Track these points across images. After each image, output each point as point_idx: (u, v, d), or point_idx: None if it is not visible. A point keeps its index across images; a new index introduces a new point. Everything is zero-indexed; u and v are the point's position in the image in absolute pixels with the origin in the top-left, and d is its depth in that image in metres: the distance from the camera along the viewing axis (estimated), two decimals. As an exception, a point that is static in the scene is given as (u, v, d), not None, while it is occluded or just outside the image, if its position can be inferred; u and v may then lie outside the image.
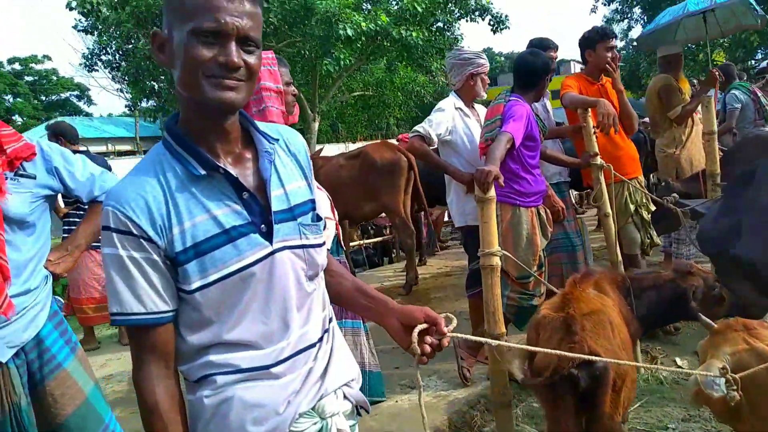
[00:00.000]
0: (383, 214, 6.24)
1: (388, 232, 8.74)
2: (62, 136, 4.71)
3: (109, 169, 4.89)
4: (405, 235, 5.60)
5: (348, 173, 5.74)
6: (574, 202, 4.35)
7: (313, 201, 1.25)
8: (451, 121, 3.46)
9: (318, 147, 17.31)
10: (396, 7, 13.71)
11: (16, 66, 41.67)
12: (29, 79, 41.81)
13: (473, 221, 3.34)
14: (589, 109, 3.49)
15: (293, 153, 1.26)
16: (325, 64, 12.71)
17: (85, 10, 10.76)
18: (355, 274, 6.55)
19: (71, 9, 10.92)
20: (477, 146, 3.36)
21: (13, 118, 39.14)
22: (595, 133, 3.46)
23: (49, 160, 2.00)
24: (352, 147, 28.35)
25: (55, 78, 41.76)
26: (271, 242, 1.12)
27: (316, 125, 15.37)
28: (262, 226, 1.12)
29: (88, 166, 2.09)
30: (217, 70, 1.03)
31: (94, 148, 28.17)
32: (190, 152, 1.09)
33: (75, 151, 4.63)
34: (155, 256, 1.06)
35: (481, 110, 3.63)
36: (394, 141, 6.73)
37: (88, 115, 39.86)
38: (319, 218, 1.25)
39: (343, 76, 15.49)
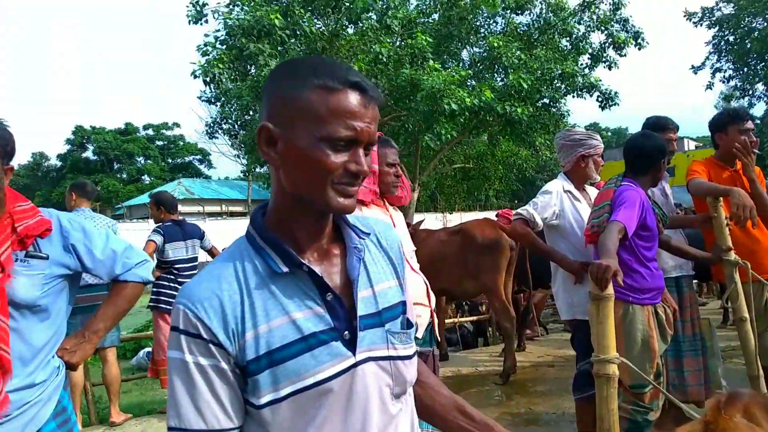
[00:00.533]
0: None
1: (483, 309, 8.38)
2: (162, 205, 5.04)
3: (202, 236, 5.21)
4: (505, 319, 5.26)
5: (448, 249, 5.56)
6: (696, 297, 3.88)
7: (404, 304, 1.12)
8: (559, 204, 3.24)
9: (417, 217, 17.41)
10: (501, 84, 13.77)
11: (150, 132, 46.45)
12: (159, 143, 46.41)
13: (582, 315, 3.04)
14: (721, 199, 3.13)
15: (385, 248, 1.14)
16: (427, 139, 12.88)
17: (208, 78, 11.69)
18: (447, 354, 6.23)
19: (195, 77, 11.91)
20: None
21: (143, 177, 43.29)
22: (727, 225, 3.08)
23: (66, 236, 1.83)
24: (449, 217, 28.46)
25: (181, 143, 46.10)
26: (354, 352, 0.98)
27: (416, 195, 15.46)
28: (346, 332, 0.99)
29: (111, 242, 1.91)
30: (346, 177, 0.97)
31: (209, 208, 30.54)
32: (273, 247, 1.00)
33: (171, 221, 5.04)
34: (224, 364, 0.94)
35: (594, 193, 3.38)
36: (492, 213, 6.53)
37: (207, 177, 43.25)
38: (410, 324, 1.11)
39: (444, 149, 15.63)
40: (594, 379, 2.35)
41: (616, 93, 14.16)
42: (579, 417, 3.29)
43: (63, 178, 40.82)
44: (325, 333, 0.97)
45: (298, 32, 12.16)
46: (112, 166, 43.87)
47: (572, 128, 3.43)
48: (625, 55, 14.60)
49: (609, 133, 52.08)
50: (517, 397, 4.81)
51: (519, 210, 3.33)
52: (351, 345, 0.98)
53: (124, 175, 43.81)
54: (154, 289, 4.84)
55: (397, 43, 13.33)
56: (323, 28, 13.20)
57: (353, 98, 0.96)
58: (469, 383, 5.36)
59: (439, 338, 2.83)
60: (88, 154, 44.03)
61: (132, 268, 1.91)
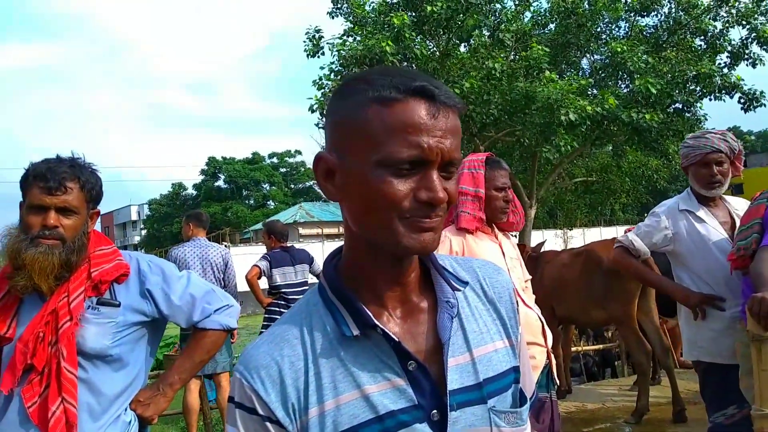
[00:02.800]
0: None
1: (609, 336, 7.67)
2: (273, 234, 5.22)
3: (311, 261, 5.25)
4: (638, 352, 4.64)
5: (572, 273, 5.08)
6: None
7: (516, 370, 0.88)
8: (672, 226, 2.75)
9: (534, 235, 16.66)
10: (626, 90, 12.85)
11: (275, 160, 49.46)
12: (283, 170, 49.20)
13: (707, 357, 2.57)
14: None
15: (492, 299, 0.91)
16: (545, 152, 12.28)
17: (323, 111, 12.15)
18: (571, 389, 5.73)
19: (313, 111, 12.38)
20: (715, 256, 2.62)
21: (268, 203, 46.05)
22: None
23: (144, 280, 1.72)
24: (570, 233, 27.09)
25: (302, 169, 48.51)
26: None
27: (533, 212, 14.80)
28: (434, 412, 0.79)
29: (191, 286, 1.77)
30: (416, 209, 0.76)
31: (328, 230, 31.75)
32: (345, 303, 0.82)
33: (280, 248, 5.15)
34: None
35: (738, 204, 2.83)
36: (618, 229, 5.93)
37: (326, 200, 44.94)
38: (523, 398, 0.87)
39: (564, 163, 14.85)
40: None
41: (762, 93, 12.63)
42: None
43: (198, 206, 44.45)
44: (407, 412, 0.78)
45: (409, 56, 12.20)
46: (240, 193, 47.07)
47: (693, 134, 2.85)
48: (772, 50, 13.02)
49: (753, 137, 47.05)
50: (652, 441, 4.25)
51: (620, 237, 2.96)
52: (440, 428, 0.78)
53: (251, 201, 46.86)
54: (266, 315, 4.96)
55: (511, 57, 12.96)
56: (434, 49, 13.16)
57: (417, 108, 0.76)
58: (595, 420, 4.85)
59: (557, 381, 2.51)
60: (220, 182, 47.63)
61: (211, 315, 1.77)
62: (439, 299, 0.85)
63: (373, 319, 0.80)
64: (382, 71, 0.80)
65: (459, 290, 0.87)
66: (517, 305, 0.94)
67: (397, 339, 0.80)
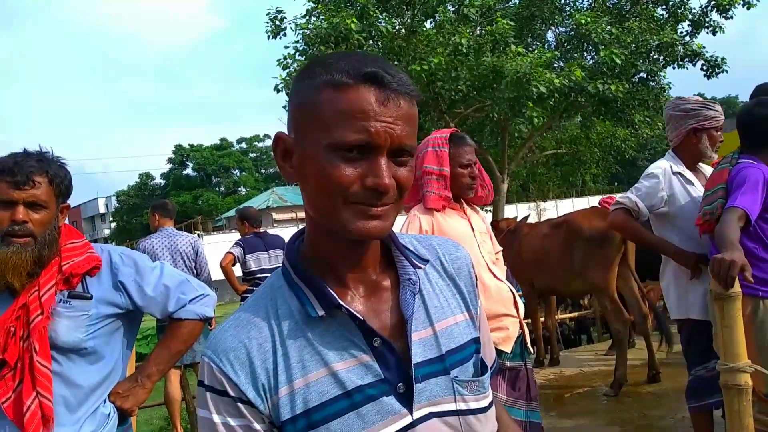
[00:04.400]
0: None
1: (585, 303, 7.85)
2: (246, 220, 5.23)
3: (284, 246, 5.22)
4: (617, 321, 4.69)
5: (552, 244, 5.08)
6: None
7: (476, 341, 0.91)
8: (668, 188, 2.81)
9: (507, 209, 16.83)
10: (591, 62, 12.96)
11: (243, 145, 48.87)
12: (253, 155, 48.67)
13: (697, 314, 2.66)
14: None
15: (451, 274, 0.93)
16: (517, 124, 12.35)
17: (289, 91, 11.99)
18: (558, 358, 5.81)
19: (278, 92, 12.21)
20: None
21: (239, 189, 45.60)
22: None
23: (116, 272, 1.70)
24: (543, 205, 27.36)
25: (272, 153, 48.13)
26: (410, 408, 0.80)
27: (505, 186, 14.92)
28: (400, 384, 0.81)
29: (164, 277, 1.76)
30: (363, 195, 0.77)
31: (302, 214, 31.60)
32: (309, 284, 0.83)
33: (255, 234, 5.12)
34: (256, 425, 0.80)
35: (707, 169, 2.94)
36: (589, 199, 6.00)
37: (298, 184, 44.80)
38: (484, 368, 0.90)
39: (534, 136, 14.98)
40: (712, 386, 2.03)
41: (723, 59, 12.87)
42: (696, 428, 2.90)
43: (167, 195, 43.76)
44: (374, 386, 0.80)
45: (374, 33, 12.08)
46: (210, 181, 46.50)
47: (686, 97, 2.95)
48: (731, 17, 13.25)
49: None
50: (627, 401, 4.39)
51: (619, 198, 2.95)
52: (407, 400, 0.81)
53: (222, 188, 46.35)
54: (242, 303, 4.94)
55: (477, 32, 12.93)
56: (400, 26, 13.06)
57: (366, 94, 0.76)
58: (573, 385, 4.98)
59: (531, 350, 2.56)
60: (188, 171, 46.94)
61: (187, 305, 1.76)
62: (401, 277, 0.87)
63: (338, 299, 0.82)
64: (341, 56, 0.81)
65: (420, 268, 0.89)
66: (476, 279, 0.97)
67: (361, 317, 0.82)
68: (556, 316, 7.49)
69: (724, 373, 1.96)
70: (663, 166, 2.88)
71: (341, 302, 0.82)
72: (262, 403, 0.80)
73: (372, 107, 0.77)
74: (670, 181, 2.84)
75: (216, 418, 0.80)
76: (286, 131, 0.86)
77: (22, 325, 1.58)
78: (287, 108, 0.87)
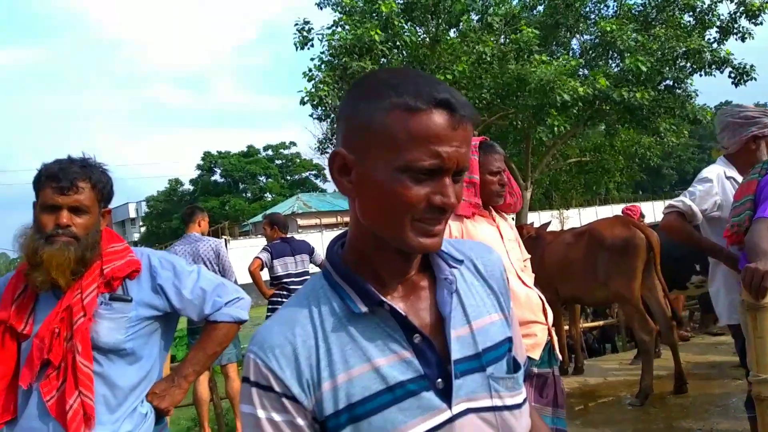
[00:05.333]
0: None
1: (609, 312, 7.75)
2: (276, 224, 5.31)
3: (311, 251, 5.31)
4: (642, 331, 4.61)
5: (575, 253, 5.04)
6: None
7: (510, 341, 0.95)
8: (721, 193, 2.78)
9: (531, 217, 16.70)
10: (617, 69, 12.86)
11: (270, 152, 49.37)
12: (278, 162, 49.14)
13: None
14: None
15: (484, 276, 0.97)
16: (539, 133, 12.31)
17: (314, 102, 12.07)
18: (582, 367, 5.77)
19: (303, 104, 12.34)
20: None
21: (265, 195, 46.02)
22: None
23: (155, 275, 1.75)
24: (566, 213, 26.98)
25: (298, 160, 48.56)
26: (449, 404, 0.84)
27: (528, 194, 14.86)
28: (438, 381, 0.84)
29: (201, 280, 1.80)
30: (429, 213, 0.83)
31: (326, 220, 31.81)
32: (351, 284, 0.87)
33: (281, 239, 5.23)
34: (300, 420, 0.83)
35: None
36: (613, 208, 5.94)
37: (323, 191, 44.98)
38: (517, 366, 0.93)
39: (557, 144, 14.90)
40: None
41: (752, 66, 12.66)
42: None
43: (196, 201, 44.28)
44: (414, 382, 0.83)
45: (398, 43, 12.17)
46: (237, 187, 47.00)
47: (744, 105, 2.91)
48: (761, 24, 13.03)
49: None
50: (653, 411, 4.32)
51: (672, 202, 2.90)
52: (446, 395, 0.84)
53: (249, 194, 46.79)
54: (270, 306, 5.01)
55: (501, 40, 12.94)
56: (424, 35, 13.13)
57: (439, 119, 0.81)
58: (598, 395, 4.93)
59: (559, 357, 2.56)
60: (216, 177, 47.53)
61: (222, 308, 1.81)
62: (438, 277, 0.91)
63: (380, 295, 0.86)
64: (404, 75, 0.84)
65: (455, 268, 0.93)
66: (508, 281, 1.01)
67: (404, 314, 0.85)
68: (580, 325, 7.43)
69: (756, 384, 1.94)
70: (717, 171, 2.85)
71: (383, 298, 0.85)
72: (306, 399, 0.82)
73: (446, 132, 0.80)
74: (723, 185, 2.81)
75: (260, 413, 0.83)
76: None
77: (65, 326, 1.64)
78: (338, 122, 0.91)
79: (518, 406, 0.90)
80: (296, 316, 0.88)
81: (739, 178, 2.80)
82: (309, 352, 0.84)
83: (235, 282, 4.84)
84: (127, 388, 1.70)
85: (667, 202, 2.96)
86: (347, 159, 0.86)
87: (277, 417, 0.83)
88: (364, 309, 0.85)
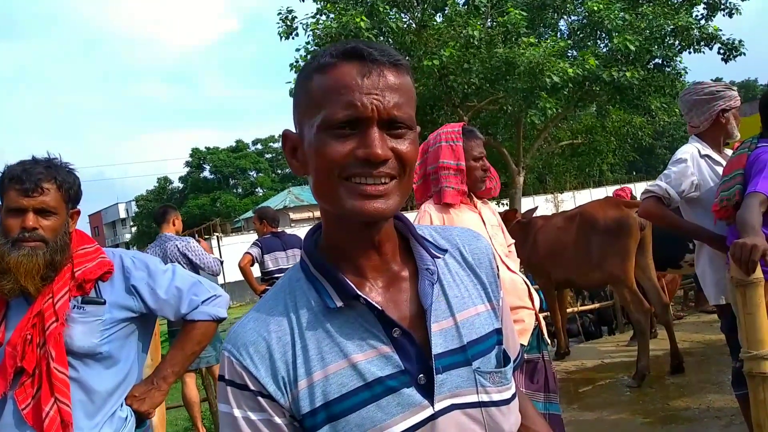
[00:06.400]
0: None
1: (605, 294, 7.76)
2: (265, 218, 5.29)
3: (301, 245, 5.27)
4: (638, 311, 4.62)
5: (567, 236, 5.05)
6: None
7: (498, 332, 0.89)
8: (697, 172, 2.75)
9: (524, 202, 16.69)
10: (605, 49, 12.78)
11: (259, 146, 49.17)
12: (268, 156, 48.96)
13: None
14: None
15: (471, 265, 0.92)
16: (531, 116, 12.24)
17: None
18: (569, 350, 5.79)
19: (293, 96, 12.24)
20: None
21: (256, 190, 45.89)
22: None
23: (128, 276, 1.71)
24: (561, 197, 27.00)
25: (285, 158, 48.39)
26: (431, 400, 0.79)
27: (521, 179, 14.81)
28: (420, 376, 0.80)
29: (176, 279, 1.77)
30: (357, 167, 0.77)
31: (319, 213, 31.78)
32: (328, 276, 0.83)
33: (271, 233, 5.16)
34: (277, 419, 0.80)
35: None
36: (608, 189, 5.92)
37: (314, 183, 45.00)
38: (507, 359, 0.88)
39: (549, 127, 14.84)
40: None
41: (740, 42, 12.60)
42: (745, 415, 2.82)
43: (186, 198, 44.12)
44: (394, 378, 0.79)
45: (384, 30, 12.05)
46: (227, 183, 46.84)
47: (704, 82, 2.92)
48: (748, -2, 12.99)
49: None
50: (651, 392, 4.32)
51: (648, 186, 2.89)
52: (427, 391, 0.80)
53: (239, 190, 46.64)
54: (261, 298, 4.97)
55: (488, 23, 12.83)
56: (410, 21, 13.00)
57: (348, 68, 0.78)
58: (595, 378, 4.93)
59: (548, 341, 2.54)
60: (206, 173, 47.32)
61: (199, 306, 1.77)
62: (420, 267, 0.86)
63: (356, 289, 0.81)
64: (330, 46, 0.82)
65: (438, 257, 0.88)
66: (498, 269, 0.96)
67: (380, 308, 0.81)
68: (576, 308, 7.43)
69: (747, 361, 1.92)
70: (690, 150, 2.82)
71: (359, 292, 0.81)
72: (283, 397, 0.80)
73: (355, 80, 0.77)
74: (698, 164, 2.78)
75: (237, 412, 0.80)
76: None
77: (38, 332, 1.60)
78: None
79: (506, 401, 0.86)
80: (272, 311, 0.84)
81: (715, 156, 2.79)
82: (284, 349, 0.81)
83: (219, 272, 4.79)
84: (105, 392, 1.67)
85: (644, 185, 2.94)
86: (292, 138, 0.85)
87: (253, 416, 0.80)
88: (339, 303, 0.81)
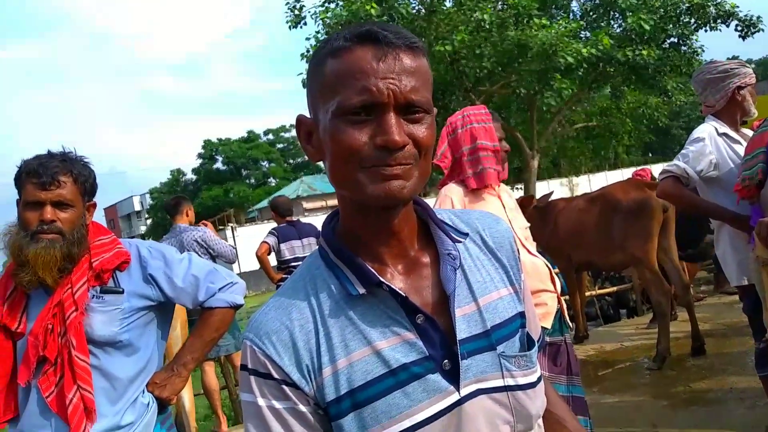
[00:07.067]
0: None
1: (623, 276, 7.68)
2: (275, 210, 5.33)
3: (318, 234, 5.23)
4: (659, 293, 4.56)
5: (589, 218, 5.00)
6: None
7: (522, 316, 0.88)
8: (715, 151, 2.70)
9: (539, 186, 16.56)
10: (619, 30, 12.58)
11: (270, 136, 49.28)
12: (280, 146, 49.08)
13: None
14: None
15: (492, 249, 0.90)
16: (546, 98, 12.10)
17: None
18: (588, 334, 5.76)
19: (305, 86, 12.20)
20: None
21: (269, 180, 46.07)
22: None
23: (146, 266, 1.73)
24: (576, 180, 26.75)
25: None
26: (457, 386, 0.78)
27: (536, 163, 14.70)
28: (445, 362, 0.79)
29: (193, 267, 1.78)
30: (376, 156, 0.75)
31: (332, 202, 31.89)
32: (348, 264, 0.81)
33: (288, 223, 5.16)
34: (302, 407, 0.79)
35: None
36: (623, 172, 5.85)
37: (326, 172, 45.14)
38: (531, 342, 0.87)
39: (563, 110, 14.68)
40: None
41: (758, 18, 12.33)
42: None
43: (199, 190, 44.40)
44: (418, 364, 0.78)
45: (395, 16, 11.95)
46: (240, 173, 47.06)
47: (716, 60, 2.86)
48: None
49: (753, 65, 46.26)
50: (672, 374, 4.28)
51: (666, 166, 2.83)
52: (453, 377, 0.79)
53: (252, 180, 46.85)
54: (281, 286, 5.01)
55: (499, 7, 12.67)
56: (419, 6, 12.88)
57: (362, 53, 0.75)
58: (614, 361, 4.89)
59: (569, 324, 2.51)
60: (218, 165, 47.55)
61: (216, 293, 1.79)
62: (441, 252, 0.85)
63: (378, 276, 0.80)
64: (344, 29, 0.80)
65: (459, 242, 0.87)
66: (518, 252, 0.94)
67: (403, 294, 0.80)
68: (595, 292, 7.38)
69: (774, 341, 1.88)
70: (708, 129, 2.77)
71: (381, 279, 0.80)
72: (307, 385, 0.79)
73: (370, 65, 0.75)
74: (716, 143, 2.72)
75: (261, 401, 0.79)
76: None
77: (58, 322, 1.63)
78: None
79: (532, 384, 0.84)
80: (293, 299, 0.83)
81: (733, 134, 2.73)
82: (307, 337, 0.80)
83: (234, 260, 4.83)
84: (127, 379, 1.71)
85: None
86: (307, 123, 0.83)
87: (278, 404, 0.79)
88: (362, 291, 0.80)
